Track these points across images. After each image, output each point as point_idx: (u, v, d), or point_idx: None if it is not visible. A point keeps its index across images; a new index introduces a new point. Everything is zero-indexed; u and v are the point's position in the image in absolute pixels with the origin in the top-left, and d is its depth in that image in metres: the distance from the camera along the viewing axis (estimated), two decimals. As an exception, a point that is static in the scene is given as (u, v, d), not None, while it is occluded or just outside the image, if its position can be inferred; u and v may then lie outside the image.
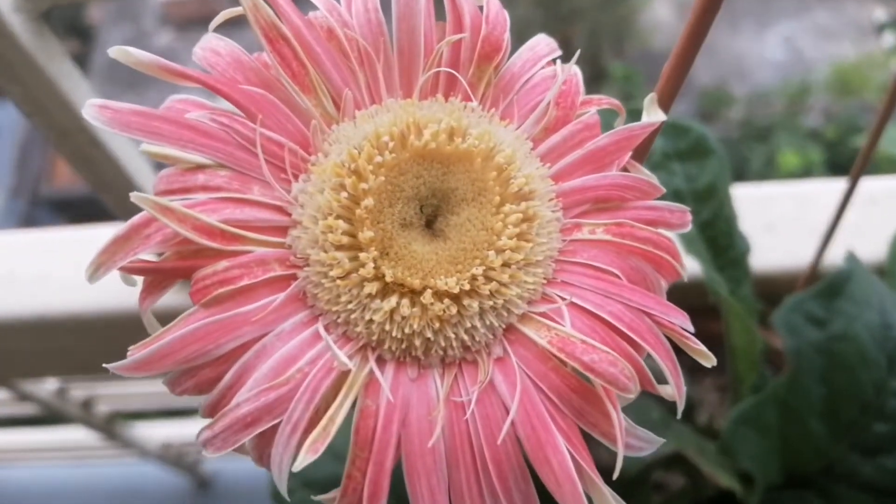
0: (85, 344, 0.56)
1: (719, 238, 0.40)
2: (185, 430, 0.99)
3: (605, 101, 0.19)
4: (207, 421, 0.16)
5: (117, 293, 0.52)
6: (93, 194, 0.44)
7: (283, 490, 0.16)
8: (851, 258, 0.39)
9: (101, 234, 0.53)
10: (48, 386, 0.76)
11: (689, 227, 0.19)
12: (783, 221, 0.49)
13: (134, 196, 0.15)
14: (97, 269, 0.16)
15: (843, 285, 0.37)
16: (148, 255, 0.16)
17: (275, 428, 0.16)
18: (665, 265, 0.18)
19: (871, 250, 0.49)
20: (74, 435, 0.97)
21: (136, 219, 0.16)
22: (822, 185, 0.53)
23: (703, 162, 0.40)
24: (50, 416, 0.84)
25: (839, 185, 0.40)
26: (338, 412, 0.15)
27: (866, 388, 0.36)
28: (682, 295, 0.22)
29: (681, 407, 0.17)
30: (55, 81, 0.36)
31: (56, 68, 0.36)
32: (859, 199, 0.56)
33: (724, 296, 0.38)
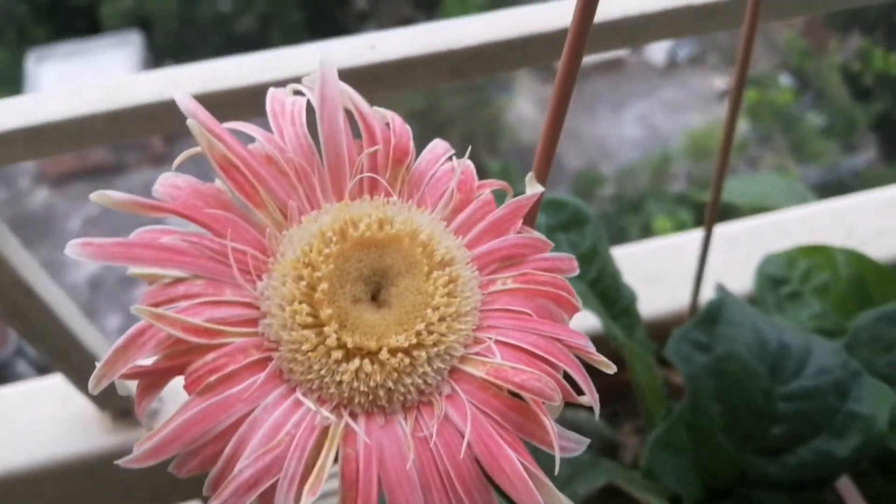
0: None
1: (608, 292, 0.45)
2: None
3: (496, 184, 0.24)
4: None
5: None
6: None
7: (290, 537, 0.18)
8: (721, 289, 0.45)
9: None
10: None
11: (577, 271, 0.24)
12: (660, 272, 0.56)
13: (134, 308, 0.18)
14: (101, 379, 0.19)
15: (718, 312, 0.43)
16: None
17: (274, 486, 0.18)
18: (563, 301, 0.22)
19: (741, 283, 0.56)
20: None
21: (130, 331, 0.19)
22: (688, 236, 0.60)
23: (581, 229, 0.46)
24: None
25: (701, 233, 0.47)
26: (325, 462, 0.19)
27: (756, 398, 0.42)
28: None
29: (596, 410, 0.21)
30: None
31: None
32: (723, 242, 0.65)
33: (621, 340, 0.43)
